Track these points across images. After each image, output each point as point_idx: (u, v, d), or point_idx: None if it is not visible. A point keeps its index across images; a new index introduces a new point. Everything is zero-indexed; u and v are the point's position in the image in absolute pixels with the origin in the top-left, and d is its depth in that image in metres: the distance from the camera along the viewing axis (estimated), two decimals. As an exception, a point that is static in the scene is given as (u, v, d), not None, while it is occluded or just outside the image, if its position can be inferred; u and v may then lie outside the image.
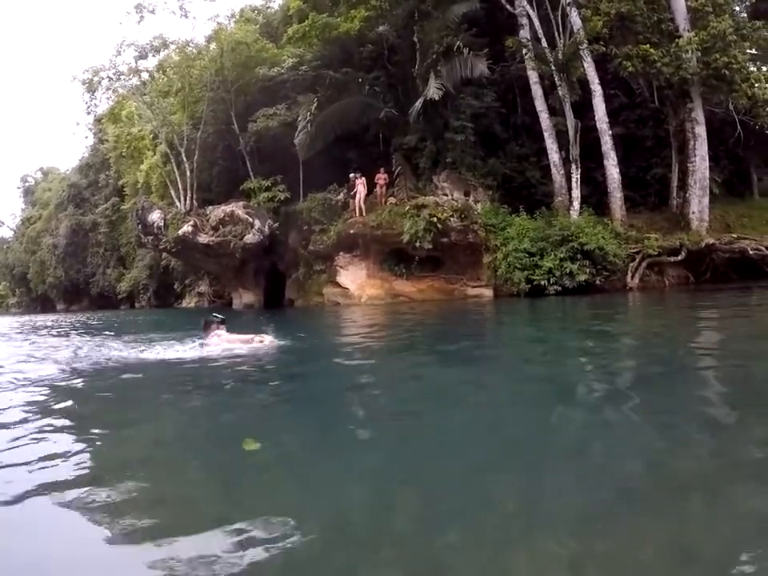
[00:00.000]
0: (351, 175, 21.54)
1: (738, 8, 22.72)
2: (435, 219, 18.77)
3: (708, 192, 19.86)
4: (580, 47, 18.92)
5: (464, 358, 6.51)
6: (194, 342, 7.66)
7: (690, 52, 18.57)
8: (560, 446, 3.11)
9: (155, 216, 25.57)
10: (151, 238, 26.19)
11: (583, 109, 20.03)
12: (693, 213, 19.66)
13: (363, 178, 21.38)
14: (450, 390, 4.71)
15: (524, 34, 20.49)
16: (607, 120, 19.58)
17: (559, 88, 19.63)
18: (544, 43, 19.79)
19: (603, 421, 3.52)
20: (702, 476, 2.50)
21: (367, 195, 21.52)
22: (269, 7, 34.12)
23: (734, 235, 19.47)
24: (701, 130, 19.56)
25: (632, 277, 18.44)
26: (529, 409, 3.95)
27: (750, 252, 18.92)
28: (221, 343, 7.12)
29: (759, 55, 21.87)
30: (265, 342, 7.18)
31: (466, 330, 10.52)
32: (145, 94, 29.71)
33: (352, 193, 21.74)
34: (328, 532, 2.06)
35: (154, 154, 31.44)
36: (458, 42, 20.15)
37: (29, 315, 39.74)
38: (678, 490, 2.33)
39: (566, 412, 3.89)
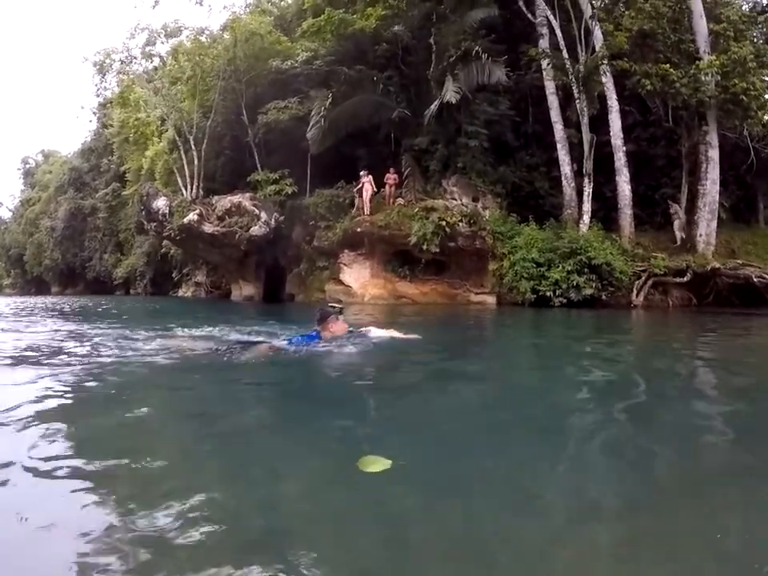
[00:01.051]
0: (361, 173, 21.39)
1: (756, 34, 22.73)
2: (444, 223, 18.65)
3: (716, 216, 19.83)
4: (602, 62, 18.87)
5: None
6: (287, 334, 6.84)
7: (709, 75, 18.52)
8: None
9: (161, 203, 25.35)
10: (155, 224, 25.95)
11: (597, 123, 19.98)
12: (700, 235, 19.58)
13: (370, 177, 21.25)
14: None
15: (543, 44, 20.45)
16: (622, 136, 19.55)
17: (577, 101, 19.53)
18: (565, 54, 19.72)
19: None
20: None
21: (375, 195, 21.41)
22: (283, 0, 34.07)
23: (739, 261, 19.40)
24: (714, 154, 19.52)
25: (637, 294, 18.33)
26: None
27: (754, 279, 18.81)
28: (370, 333, 6.42)
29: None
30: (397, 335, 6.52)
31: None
32: (155, 80, 29.64)
33: (356, 190, 21.65)
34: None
35: (160, 140, 31.33)
36: (477, 47, 20.07)
37: (28, 297, 39.19)
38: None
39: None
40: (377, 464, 2.40)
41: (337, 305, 6.62)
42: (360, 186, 21.31)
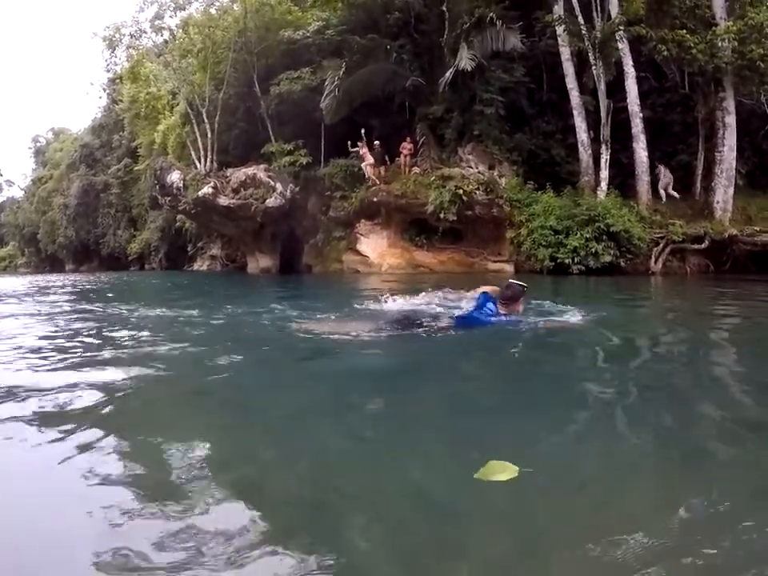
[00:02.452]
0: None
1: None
2: (461, 191, 18.65)
3: (733, 183, 19.71)
4: (619, 28, 18.66)
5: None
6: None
7: (726, 41, 18.28)
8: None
9: (175, 176, 25.37)
10: (169, 198, 26.02)
11: (612, 89, 19.75)
12: (717, 202, 19.51)
13: (365, 147, 21.39)
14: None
15: (558, 9, 20.20)
16: (638, 102, 19.39)
17: (594, 67, 19.35)
18: (581, 20, 19.51)
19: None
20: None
21: (390, 163, 21.40)
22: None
23: (756, 228, 19.28)
24: (731, 120, 19.34)
25: (655, 261, 18.37)
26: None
27: (772, 246, 18.81)
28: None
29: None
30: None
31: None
32: (165, 54, 29.51)
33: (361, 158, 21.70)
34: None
35: (172, 114, 31.27)
36: (491, 14, 19.87)
37: (46, 275, 39.23)
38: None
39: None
40: (503, 471, 2.02)
41: (524, 284, 5.96)
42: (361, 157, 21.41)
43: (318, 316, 7.11)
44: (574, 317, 6.29)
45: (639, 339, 5.90)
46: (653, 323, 7.46)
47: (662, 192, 19.93)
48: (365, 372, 4.25)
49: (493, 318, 5.55)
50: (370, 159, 21.29)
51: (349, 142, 21.66)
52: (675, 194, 19.90)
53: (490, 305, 5.63)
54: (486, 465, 2.05)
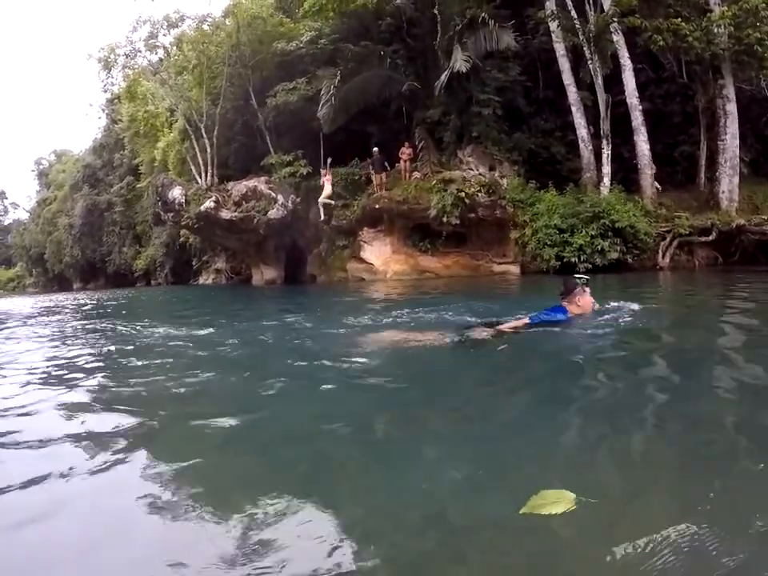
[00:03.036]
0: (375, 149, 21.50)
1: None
2: (463, 194, 18.53)
3: (738, 171, 19.41)
4: (613, 20, 18.48)
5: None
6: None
7: (722, 27, 18.05)
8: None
9: (176, 192, 25.37)
10: (171, 214, 26.03)
11: (608, 83, 19.56)
12: (723, 192, 19.23)
13: (328, 175, 21.83)
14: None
15: (550, 5, 20.00)
16: (637, 95, 19.19)
17: (590, 62, 19.18)
18: (574, 14, 19.35)
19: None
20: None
21: (390, 169, 21.33)
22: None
23: (764, 217, 18.94)
24: (732, 108, 19.05)
25: (663, 256, 18.14)
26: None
27: (782, 235, 18.52)
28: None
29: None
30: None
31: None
32: (161, 72, 29.57)
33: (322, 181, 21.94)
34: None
35: (171, 131, 31.32)
36: (483, 14, 19.76)
37: (54, 294, 39.40)
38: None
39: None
40: (557, 501, 1.71)
41: (583, 276, 5.86)
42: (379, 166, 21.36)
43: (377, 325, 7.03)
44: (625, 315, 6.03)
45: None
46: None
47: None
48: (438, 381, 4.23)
49: (560, 315, 5.44)
50: (327, 188, 21.72)
51: (321, 170, 22.00)
52: (657, 185, 19.58)
53: (559, 311, 5.53)
54: (537, 494, 1.75)
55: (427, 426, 3.15)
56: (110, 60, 29.27)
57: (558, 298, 5.67)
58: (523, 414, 3.29)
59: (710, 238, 18.41)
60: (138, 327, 8.77)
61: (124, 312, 15.07)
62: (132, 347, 6.57)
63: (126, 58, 29.49)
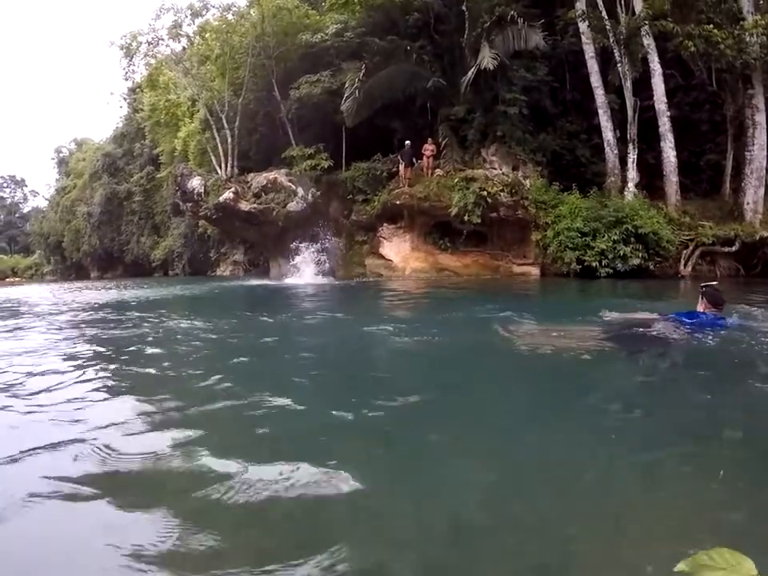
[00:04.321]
0: (407, 142, 21.23)
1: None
2: (485, 193, 18.28)
3: (764, 183, 19.07)
4: (644, 23, 18.25)
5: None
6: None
7: (755, 36, 17.73)
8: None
9: (195, 182, 25.33)
10: (190, 204, 25.98)
11: (636, 88, 19.36)
12: (747, 204, 18.89)
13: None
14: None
15: (580, 5, 19.82)
16: (665, 100, 18.95)
17: (619, 65, 18.97)
18: (604, 15, 19.13)
19: None
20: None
21: (413, 166, 21.18)
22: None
23: (788, 230, 18.79)
24: (761, 118, 18.70)
25: (685, 265, 17.92)
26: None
27: (804, 249, 18.23)
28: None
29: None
30: None
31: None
32: (183, 61, 29.55)
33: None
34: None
35: (192, 121, 31.33)
36: (512, 12, 19.58)
37: (70, 282, 39.46)
38: None
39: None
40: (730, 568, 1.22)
41: (709, 283, 5.99)
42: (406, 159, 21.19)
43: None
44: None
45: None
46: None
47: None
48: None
49: (720, 321, 5.60)
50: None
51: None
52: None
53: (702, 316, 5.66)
54: (705, 552, 1.26)
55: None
56: (132, 48, 29.21)
57: (710, 308, 5.71)
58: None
59: (734, 248, 18.14)
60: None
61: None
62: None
63: (149, 45, 29.42)
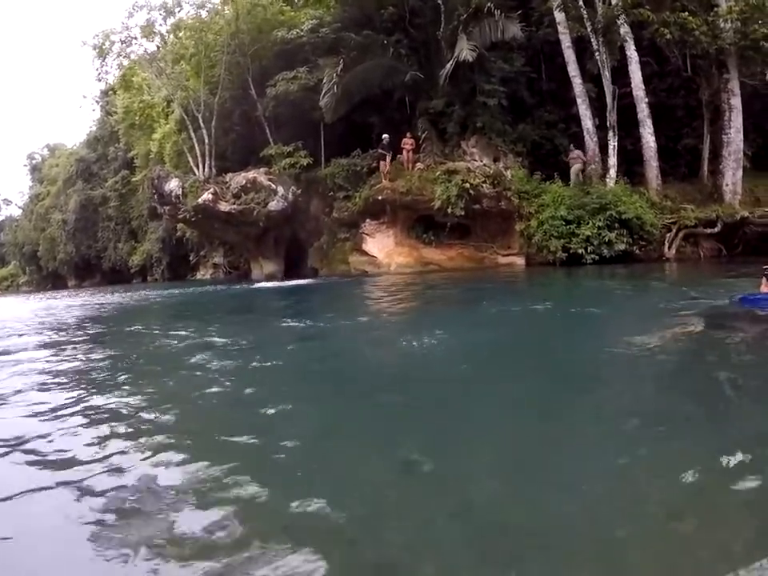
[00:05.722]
0: (385, 136, 21.03)
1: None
2: (468, 185, 18.22)
3: (741, 165, 19.40)
4: (623, 10, 18.35)
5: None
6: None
7: (729, 21, 18.05)
8: None
9: (173, 184, 24.96)
10: (168, 207, 25.57)
11: (613, 76, 19.46)
12: (726, 185, 19.19)
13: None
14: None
15: (557, -4, 19.90)
16: (643, 87, 19.07)
17: (597, 53, 19.01)
18: (581, 5, 19.20)
19: None
20: None
21: (393, 160, 21.06)
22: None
23: (767, 209, 19.03)
24: (736, 102, 19.05)
25: (669, 247, 18.08)
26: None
27: (786, 226, 18.53)
28: None
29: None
30: None
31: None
32: (157, 60, 29.20)
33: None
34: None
35: (167, 122, 30.98)
36: (489, 3, 19.52)
37: (48, 293, 38.69)
38: None
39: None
40: None
41: None
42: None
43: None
44: None
45: None
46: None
47: (573, 177, 19.55)
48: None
49: None
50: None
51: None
52: (576, 179, 19.39)
53: None
54: None
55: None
56: (104, 47, 28.76)
57: None
58: None
59: (716, 229, 18.37)
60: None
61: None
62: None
63: (122, 45, 28.95)
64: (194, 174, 26.32)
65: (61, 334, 9.87)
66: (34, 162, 71.39)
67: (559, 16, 19.65)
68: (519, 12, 20.04)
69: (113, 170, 47.60)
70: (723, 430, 2.98)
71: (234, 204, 23.41)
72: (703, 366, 4.42)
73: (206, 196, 23.47)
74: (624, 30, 18.71)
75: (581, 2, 19.15)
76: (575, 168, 19.51)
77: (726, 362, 4.51)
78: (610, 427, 3.17)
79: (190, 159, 27.19)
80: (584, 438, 3.02)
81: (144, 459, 3.08)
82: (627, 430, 3.08)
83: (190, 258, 36.46)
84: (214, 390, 4.55)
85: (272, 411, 3.71)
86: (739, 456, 2.41)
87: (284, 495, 2.47)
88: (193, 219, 24.95)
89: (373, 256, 21.29)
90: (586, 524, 2.08)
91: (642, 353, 4.89)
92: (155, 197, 26.65)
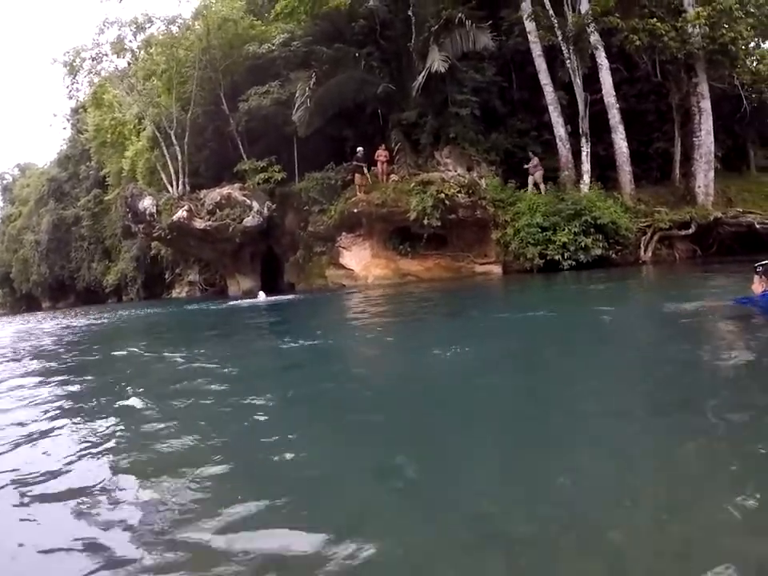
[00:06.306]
0: (359, 149, 20.99)
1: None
2: (443, 195, 18.22)
3: (713, 166, 19.72)
4: (593, 18, 18.53)
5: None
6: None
7: (697, 27, 18.38)
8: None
9: (147, 203, 24.70)
10: (142, 225, 25.30)
11: (584, 83, 19.64)
12: (699, 187, 19.50)
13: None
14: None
15: (526, 6, 20.00)
16: (614, 93, 19.26)
17: (568, 61, 19.18)
18: (551, 13, 19.36)
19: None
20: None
21: (368, 172, 21.03)
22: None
23: (739, 209, 19.44)
24: (706, 105, 19.43)
25: (644, 250, 18.23)
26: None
27: (757, 226, 18.81)
28: None
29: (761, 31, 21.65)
30: None
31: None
32: (129, 77, 28.95)
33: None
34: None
35: (139, 139, 30.71)
36: (460, 14, 19.64)
37: (22, 316, 37.88)
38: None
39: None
40: None
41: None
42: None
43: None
44: None
45: None
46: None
47: (531, 186, 19.65)
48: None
49: None
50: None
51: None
52: (545, 187, 19.46)
53: None
54: None
55: None
56: (75, 64, 28.42)
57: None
58: None
59: (690, 231, 18.62)
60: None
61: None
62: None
63: (93, 61, 28.64)
64: (168, 192, 26.05)
65: (41, 361, 9.56)
66: (5, 182, 70.61)
67: (530, 25, 19.79)
68: (490, 22, 20.16)
69: (85, 188, 47.02)
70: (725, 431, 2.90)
71: (209, 221, 23.20)
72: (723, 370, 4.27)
73: (181, 213, 23.25)
74: (594, 37, 18.91)
75: (551, 12, 19.31)
76: (537, 175, 19.60)
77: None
78: (610, 424, 3.16)
79: (164, 176, 26.92)
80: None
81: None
82: (605, 425, 3.08)
83: (165, 277, 35.98)
84: (213, 418, 4.28)
85: (270, 440, 3.51)
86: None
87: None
88: (168, 237, 24.72)
89: (350, 269, 21.17)
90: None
91: (647, 356, 4.93)
92: (129, 215, 26.37)
